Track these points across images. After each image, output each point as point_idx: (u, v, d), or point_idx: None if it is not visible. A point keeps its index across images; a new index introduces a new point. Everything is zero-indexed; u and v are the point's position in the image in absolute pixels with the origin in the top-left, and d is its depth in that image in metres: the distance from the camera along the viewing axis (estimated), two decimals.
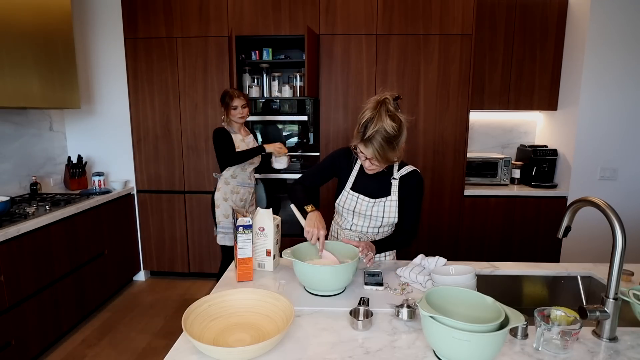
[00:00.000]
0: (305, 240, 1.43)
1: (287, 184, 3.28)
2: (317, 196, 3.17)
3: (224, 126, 2.53)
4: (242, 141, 2.56)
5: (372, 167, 1.46)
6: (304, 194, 1.56)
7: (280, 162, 2.62)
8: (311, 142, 3.25)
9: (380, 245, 1.53)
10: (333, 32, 2.97)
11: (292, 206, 1.51)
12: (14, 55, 2.28)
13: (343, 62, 3.00)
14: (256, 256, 1.50)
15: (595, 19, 2.92)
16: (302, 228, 1.45)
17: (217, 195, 2.55)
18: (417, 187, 1.56)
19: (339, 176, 1.64)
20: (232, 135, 2.50)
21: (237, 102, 2.45)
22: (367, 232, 1.61)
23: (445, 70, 2.98)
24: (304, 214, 1.49)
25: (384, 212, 1.55)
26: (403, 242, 1.58)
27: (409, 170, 1.56)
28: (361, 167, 1.58)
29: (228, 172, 2.56)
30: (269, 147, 2.56)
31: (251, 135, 2.68)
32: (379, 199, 1.55)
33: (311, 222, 1.42)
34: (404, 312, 1.14)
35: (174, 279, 3.44)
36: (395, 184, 1.55)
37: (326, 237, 1.58)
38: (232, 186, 2.58)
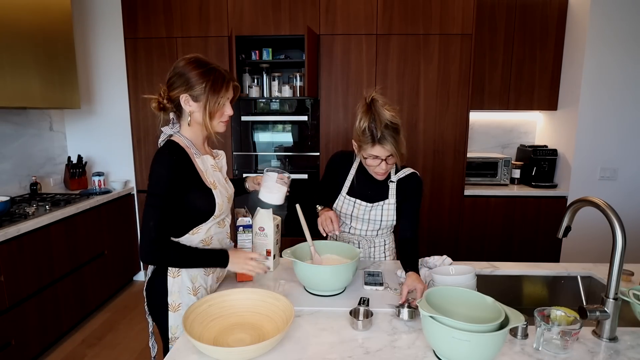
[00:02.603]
0: (304, 240, 1.42)
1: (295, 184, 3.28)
2: None
3: (174, 139, 1.21)
4: (216, 168, 1.28)
5: (385, 169, 1.43)
6: (319, 202, 1.58)
7: (270, 190, 1.38)
8: (311, 142, 3.25)
9: (416, 268, 1.37)
10: (333, 32, 2.96)
11: (297, 206, 1.47)
12: (14, 55, 2.28)
13: (343, 62, 3.00)
14: None
15: (595, 19, 2.92)
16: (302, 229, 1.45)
17: (171, 284, 1.22)
18: (416, 191, 1.54)
19: (337, 180, 1.62)
20: (198, 160, 1.22)
21: (231, 93, 1.25)
22: (365, 235, 1.61)
23: (445, 70, 2.98)
24: (315, 216, 1.53)
25: (382, 215, 1.54)
26: (415, 251, 1.44)
27: (407, 173, 1.55)
28: (357, 171, 1.57)
29: (196, 235, 1.24)
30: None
31: (222, 153, 1.39)
32: (376, 203, 1.54)
33: (324, 215, 1.46)
34: (405, 312, 1.14)
35: None
36: (392, 187, 1.54)
37: (326, 238, 1.58)
38: None
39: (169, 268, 1.21)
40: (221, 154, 1.37)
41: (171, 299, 1.21)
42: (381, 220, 1.55)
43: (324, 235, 1.45)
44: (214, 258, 1.22)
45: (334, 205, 1.61)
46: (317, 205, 1.53)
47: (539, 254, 3.21)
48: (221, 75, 1.18)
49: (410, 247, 1.46)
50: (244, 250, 1.26)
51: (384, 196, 1.55)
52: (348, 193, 1.57)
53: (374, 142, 1.36)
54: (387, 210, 1.54)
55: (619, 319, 1.06)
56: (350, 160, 1.59)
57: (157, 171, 1.13)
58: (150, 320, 1.30)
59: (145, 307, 1.29)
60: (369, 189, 1.55)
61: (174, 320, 1.22)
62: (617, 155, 3.09)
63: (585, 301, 1.51)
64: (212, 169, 1.25)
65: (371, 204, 1.54)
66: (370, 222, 1.56)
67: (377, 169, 1.43)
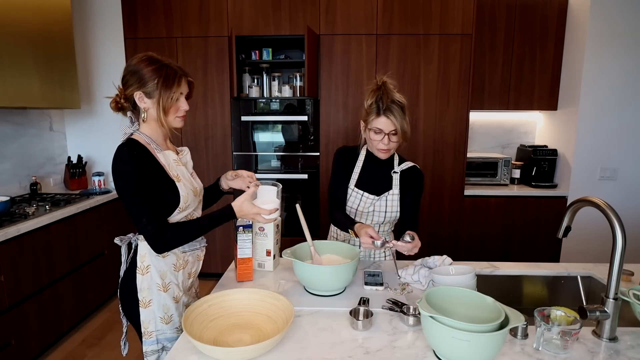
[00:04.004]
0: (304, 240, 1.42)
1: (295, 184, 3.28)
2: (318, 199, 3.17)
3: (134, 137, 1.24)
4: (179, 163, 1.28)
5: (389, 146, 1.47)
6: (346, 216, 1.55)
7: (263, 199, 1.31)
8: (311, 142, 3.25)
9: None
10: (333, 32, 2.97)
11: (298, 206, 1.48)
12: (14, 55, 2.28)
13: (343, 62, 3.00)
14: (256, 256, 1.50)
15: (595, 19, 2.92)
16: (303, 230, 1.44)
17: (140, 281, 1.23)
18: (417, 183, 1.59)
19: (344, 173, 1.64)
20: (159, 155, 1.23)
21: (185, 88, 1.24)
22: None
23: (445, 70, 2.98)
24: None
25: (386, 206, 1.57)
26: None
27: (408, 165, 1.60)
28: (364, 163, 1.60)
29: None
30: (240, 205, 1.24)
31: (186, 149, 1.39)
32: (381, 195, 1.57)
33: (361, 232, 1.38)
34: (410, 318, 1.12)
35: None
36: (396, 178, 1.58)
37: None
38: (176, 258, 1.27)
39: (138, 265, 1.22)
40: (185, 149, 1.37)
41: (141, 296, 1.23)
42: (385, 212, 1.57)
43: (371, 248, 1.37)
44: (220, 216, 1.23)
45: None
46: (349, 229, 1.46)
47: (539, 254, 3.21)
48: (173, 71, 1.19)
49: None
50: (251, 203, 1.24)
51: (389, 187, 1.58)
52: (356, 185, 1.60)
53: (379, 114, 1.42)
54: (391, 202, 1.57)
55: (619, 319, 1.06)
56: (355, 154, 1.63)
57: (122, 169, 1.15)
58: (124, 320, 1.32)
59: (120, 307, 1.30)
60: (375, 181, 1.59)
61: (145, 315, 1.24)
62: (617, 155, 3.09)
63: (585, 301, 1.51)
64: (175, 163, 1.26)
65: (378, 197, 1.57)
66: (375, 214, 1.58)
67: (380, 145, 1.47)
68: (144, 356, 1.26)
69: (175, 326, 1.28)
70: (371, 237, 1.34)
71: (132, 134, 1.23)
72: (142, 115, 1.21)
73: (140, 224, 1.14)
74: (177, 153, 1.32)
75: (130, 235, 1.28)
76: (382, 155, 1.53)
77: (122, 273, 1.28)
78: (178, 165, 1.26)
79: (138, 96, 1.18)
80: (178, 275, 1.28)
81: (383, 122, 1.43)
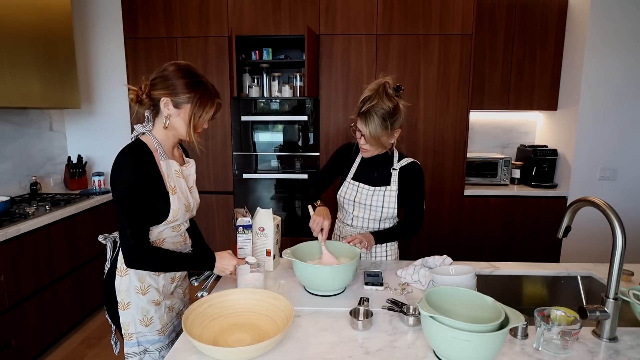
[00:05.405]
0: (305, 240, 1.43)
1: (294, 184, 3.28)
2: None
3: (143, 139, 1.22)
4: (180, 175, 1.26)
5: (365, 147, 1.51)
6: (315, 193, 1.61)
7: (246, 283, 1.28)
8: (311, 142, 3.25)
9: (383, 236, 1.57)
10: (333, 32, 2.96)
11: (310, 207, 1.53)
12: (14, 56, 2.28)
13: (343, 62, 3.00)
14: (256, 256, 1.50)
15: (595, 19, 2.92)
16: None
17: (119, 283, 1.22)
18: (416, 178, 1.60)
19: (342, 169, 1.68)
20: (162, 163, 1.20)
21: (214, 109, 1.22)
22: (367, 226, 1.63)
23: (445, 70, 2.98)
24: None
25: (383, 201, 1.58)
26: (407, 232, 1.61)
27: (408, 161, 1.61)
28: (363, 158, 1.63)
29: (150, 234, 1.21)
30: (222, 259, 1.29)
31: (192, 162, 1.36)
32: (378, 188, 1.59)
33: (319, 213, 1.46)
34: (410, 318, 1.12)
35: None
36: (395, 174, 1.59)
37: (330, 237, 1.58)
38: None
39: (118, 266, 1.21)
40: (191, 162, 1.35)
41: (120, 297, 1.22)
42: (382, 207, 1.58)
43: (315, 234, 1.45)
44: (200, 261, 1.27)
45: (338, 193, 1.66)
46: (317, 201, 1.54)
47: (539, 254, 3.21)
48: (208, 91, 1.18)
49: (405, 227, 1.60)
50: (231, 255, 1.29)
51: (387, 182, 1.59)
52: (353, 178, 1.63)
53: (358, 113, 1.45)
54: (388, 197, 1.58)
55: (619, 319, 1.06)
56: (358, 150, 1.64)
57: (124, 177, 1.12)
58: (109, 318, 1.30)
59: (104, 305, 1.29)
60: (372, 175, 1.61)
61: (125, 317, 1.22)
62: (617, 155, 3.09)
63: (585, 301, 1.51)
64: (175, 174, 1.23)
65: (374, 188, 1.59)
66: (372, 208, 1.59)
67: (359, 141, 1.51)
68: (125, 357, 1.25)
69: (156, 328, 1.25)
70: (322, 230, 1.41)
71: (143, 134, 1.22)
72: (165, 122, 1.19)
73: (124, 234, 1.13)
74: (182, 164, 1.30)
75: (115, 233, 1.27)
76: (363, 154, 1.56)
77: (105, 272, 1.27)
78: (178, 177, 1.24)
79: (164, 102, 1.17)
80: (158, 280, 1.25)
81: (359, 122, 1.45)
